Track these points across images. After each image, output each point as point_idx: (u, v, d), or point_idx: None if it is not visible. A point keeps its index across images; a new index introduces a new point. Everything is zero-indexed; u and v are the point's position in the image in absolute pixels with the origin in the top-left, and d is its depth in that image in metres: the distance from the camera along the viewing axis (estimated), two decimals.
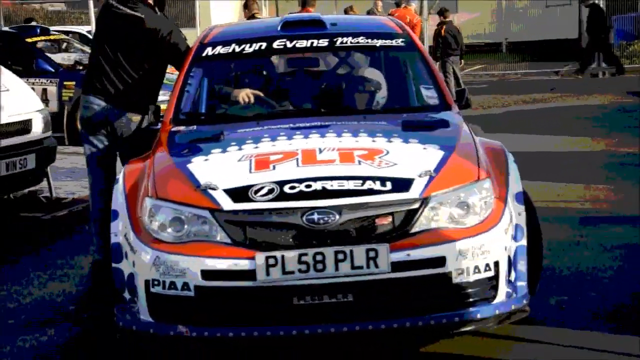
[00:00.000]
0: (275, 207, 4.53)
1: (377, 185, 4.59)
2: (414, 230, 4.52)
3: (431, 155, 4.90)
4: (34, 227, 8.39)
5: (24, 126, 8.58)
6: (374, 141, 5.08)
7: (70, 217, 8.60)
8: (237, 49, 6.21)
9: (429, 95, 6.11)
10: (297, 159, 4.87)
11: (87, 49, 14.59)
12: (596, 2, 22.20)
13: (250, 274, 4.41)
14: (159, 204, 4.73)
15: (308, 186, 4.60)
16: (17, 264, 7.06)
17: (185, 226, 4.62)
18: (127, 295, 4.78)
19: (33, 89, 10.30)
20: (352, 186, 4.59)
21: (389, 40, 6.31)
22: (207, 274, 4.47)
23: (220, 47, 6.26)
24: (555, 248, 6.49)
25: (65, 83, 13.47)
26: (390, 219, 4.52)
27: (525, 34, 28.59)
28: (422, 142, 5.06)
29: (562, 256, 6.47)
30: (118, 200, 5.04)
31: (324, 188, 4.58)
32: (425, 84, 6.20)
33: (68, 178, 10.12)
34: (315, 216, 4.48)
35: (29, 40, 14.05)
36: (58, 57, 14.20)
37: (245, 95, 6.06)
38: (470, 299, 4.56)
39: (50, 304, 6.04)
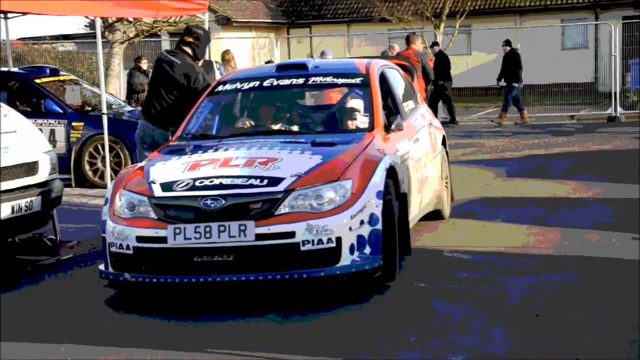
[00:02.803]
0: (184, 195, 6.54)
1: (256, 182, 6.49)
2: (277, 213, 6.35)
3: (311, 162, 6.70)
4: (38, 270, 8.24)
5: (31, 168, 8.44)
6: (278, 153, 6.93)
7: (75, 260, 8.46)
8: (238, 86, 8.34)
9: (363, 120, 7.78)
10: (217, 164, 6.80)
11: (97, 90, 14.44)
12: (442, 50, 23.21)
13: (164, 239, 6.42)
14: (124, 192, 6.83)
15: (211, 181, 6.57)
16: (20, 307, 6.94)
17: (136, 207, 6.65)
18: (108, 255, 6.74)
19: (41, 129, 10.18)
20: (239, 182, 6.52)
21: (350, 79, 8.25)
22: (139, 239, 6.53)
23: (228, 84, 8.41)
24: None
25: (73, 124, 13.37)
26: (260, 204, 6.38)
27: (540, 77, 28.42)
28: (313, 154, 6.86)
29: None
30: (109, 191, 7.06)
31: (220, 183, 6.53)
32: (366, 113, 7.86)
33: (74, 221, 9.96)
34: (209, 201, 6.42)
35: (37, 81, 13.85)
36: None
37: (243, 122, 8.07)
38: (315, 262, 6.31)
39: (53, 348, 5.90)
